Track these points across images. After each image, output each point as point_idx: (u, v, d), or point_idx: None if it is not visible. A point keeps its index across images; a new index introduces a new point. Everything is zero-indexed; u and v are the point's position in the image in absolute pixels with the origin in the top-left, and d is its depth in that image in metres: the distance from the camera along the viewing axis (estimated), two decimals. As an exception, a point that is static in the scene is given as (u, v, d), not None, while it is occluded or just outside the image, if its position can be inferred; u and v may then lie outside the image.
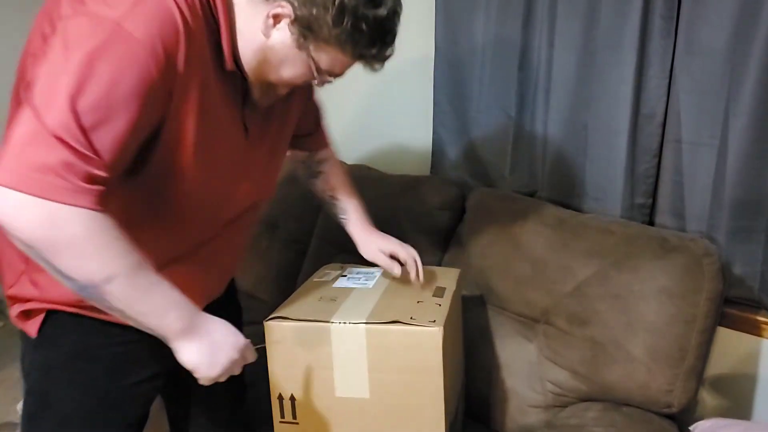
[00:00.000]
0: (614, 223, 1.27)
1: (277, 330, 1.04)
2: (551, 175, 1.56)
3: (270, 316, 1.05)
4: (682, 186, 1.36)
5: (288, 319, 1.04)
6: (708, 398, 1.34)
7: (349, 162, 1.88)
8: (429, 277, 1.20)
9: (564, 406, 1.23)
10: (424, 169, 1.81)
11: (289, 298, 1.13)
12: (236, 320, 1.11)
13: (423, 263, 1.21)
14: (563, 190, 1.54)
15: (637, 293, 1.15)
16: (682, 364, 1.11)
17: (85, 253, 0.72)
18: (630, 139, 1.39)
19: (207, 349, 0.83)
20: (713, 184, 1.30)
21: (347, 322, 1.01)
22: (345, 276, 1.24)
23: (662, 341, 1.12)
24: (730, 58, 1.23)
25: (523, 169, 1.62)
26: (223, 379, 0.87)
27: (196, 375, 0.85)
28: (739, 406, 1.33)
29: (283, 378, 1.05)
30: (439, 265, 1.52)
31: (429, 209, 1.55)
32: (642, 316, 1.14)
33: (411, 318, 1.00)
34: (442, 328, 0.98)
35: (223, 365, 0.85)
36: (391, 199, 1.61)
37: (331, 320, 1.02)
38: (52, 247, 0.71)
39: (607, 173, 1.45)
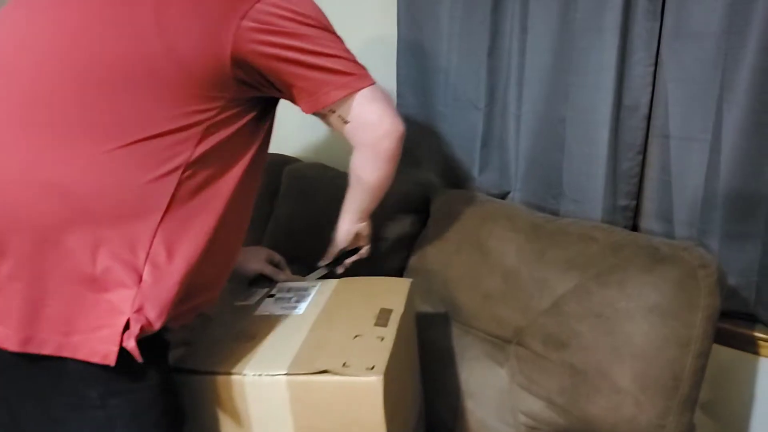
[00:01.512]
0: (597, 229, 1.12)
1: (187, 384, 0.86)
2: (525, 175, 1.41)
3: (175, 364, 0.86)
4: (670, 186, 1.22)
5: (193, 372, 0.85)
6: (698, 423, 1.20)
7: (304, 160, 1.71)
8: (373, 293, 1.03)
9: (539, 441, 1.07)
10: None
11: (205, 333, 0.95)
12: None
13: (382, 273, 1.11)
14: (538, 191, 1.39)
15: (623, 312, 0.99)
16: (675, 395, 0.95)
17: None
18: (612, 134, 1.25)
19: None
20: (704, 183, 1.17)
21: (264, 374, 0.84)
22: (273, 296, 1.06)
23: (652, 368, 0.96)
24: (723, 42, 1.09)
25: (494, 168, 1.46)
26: None
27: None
28: (735, 427, 1.20)
29: None
30: (401, 276, 1.35)
31: (389, 212, 1.38)
32: (629, 339, 0.98)
33: (344, 364, 0.82)
34: (382, 377, 0.80)
35: None
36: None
37: (244, 372, 0.84)
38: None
39: (586, 172, 1.30)
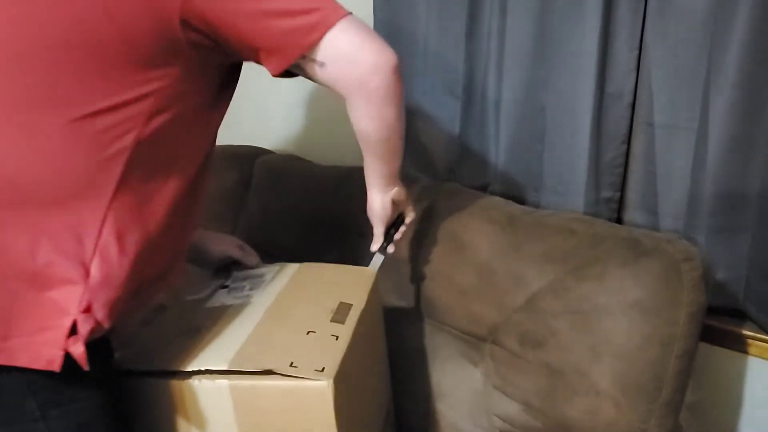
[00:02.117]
0: (576, 221, 1.05)
1: (127, 385, 0.79)
2: (505, 166, 1.34)
3: (119, 365, 0.80)
4: (655, 177, 1.16)
5: (131, 373, 0.79)
6: (685, 426, 1.14)
7: (277, 152, 1.64)
8: (333, 284, 0.96)
9: (515, 445, 1.00)
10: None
11: (148, 330, 0.88)
12: None
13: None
14: (519, 183, 1.33)
15: (602, 308, 0.93)
16: (657, 397, 0.89)
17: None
18: (594, 123, 1.19)
19: None
20: (691, 174, 1.11)
21: (203, 369, 0.76)
22: (227, 287, 0.99)
23: (633, 369, 0.90)
24: (711, 22, 1.03)
25: (472, 159, 1.40)
26: None
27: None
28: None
29: None
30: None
31: (364, 206, 1.31)
32: (608, 337, 0.92)
33: (291, 364, 0.75)
34: (332, 381, 0.73)
35: None
36: (321, 194, 1.37)
37: (182, 369, 0.77)
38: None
39: (568, 163, 1.24)
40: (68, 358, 0.66)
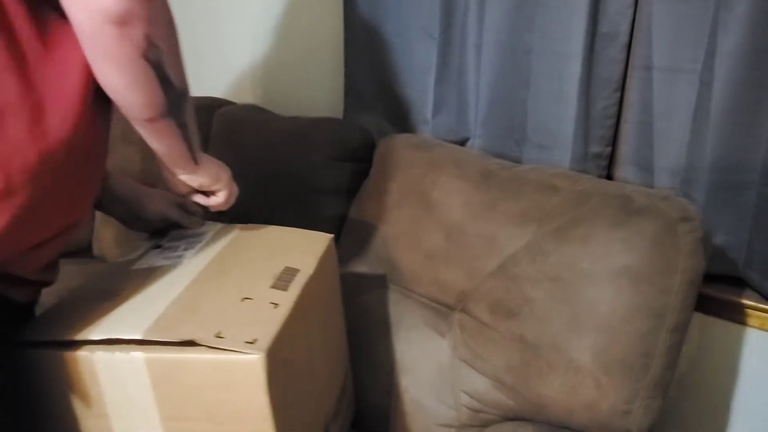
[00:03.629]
0: (560, 177, 0.93)
1: (28, 361, 0.67)
2: (486, 118, 1.21)
3: (19, 337, 0.68)
4: (651, 128, 1.04)
5: (37, 344, 0.67)
6: (674, 401, 1.05)
7: (235, 101, 1.51)
8: (280, 248, 0.84)
9: (483, 425, 0.90)
10: (337, 112, 1.44)
11: (63, 297, 0.76)
12: None
13: (314, 229, 0.90)
14: (501, 136, 1.20)
15: (585, 274, 0.81)
16: (645, 375, 0.78)
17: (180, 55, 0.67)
18: (584, 68, 1.06)
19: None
20: (692, 124, 0.99)
21: (113, 338, 0.65)
22: (159, 247, 0.86)
23: (618, 343, 0.79)
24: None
25: (450, 109, 1.26)
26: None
27: (221, 184, 0.84)
28: (715, 412, 1.05)
29: (52, 426, 0.69)
30: (338, 233, 1.16)
31: (326, 160, 1.19)
32: (591, 308, 0.80)
33: (217, 335, 0.64)
34: (264, 354, 0.62)
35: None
36: (279, 147, 1.24)
37: (87, 338, 0.66)
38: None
39: (554, 113, 1.12)
40: None
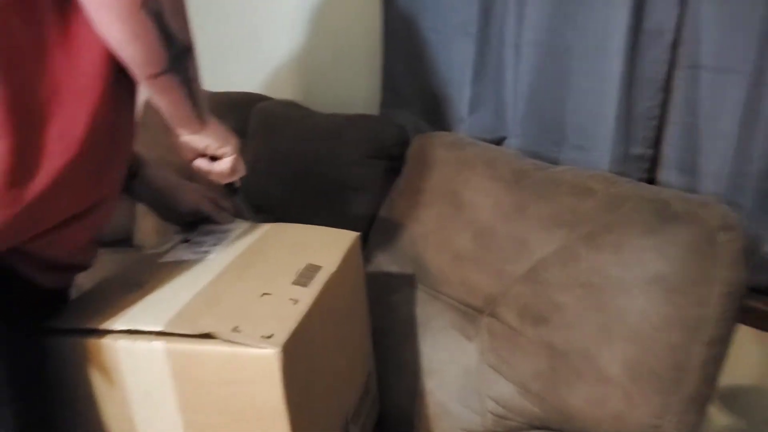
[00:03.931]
0: (595, 179, 0.89)
1: (54, 347, 0.69)
2: (525, 117, 1.19)
3: (45, 324, 0.70)
4: (697, 130, 0.99)
5: (63, 331, 0.69)
6: (716, 418, 1.00)
7: (274, 97, 1.52)
8: (305, 245, 0.84)
9: (509, 433, 0.88)
10: (373, 109, 1.43)
11: (91, 287, 0.78)
12: None
13: (346, 226, 0.89)
14: (538, 136, 1.17)
15: (617, 282, 0.78)
16: (677, 389, 0.75)
17: (183, 7, 0.66)
18: (627, 66, 1.02)
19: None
20: (740, 127, 0.94)
21: (135, 329, 0.66)
22: (187, 242, 0.88)
23: (649, 354, 0.75)
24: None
25: (486, 107, 1.24)
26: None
27: (228, 148, 0.81)
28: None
29: (74, 415, 0.71)
30: (367, 231, 1.16)
31: (360, 158, 1.18)
32: (622, 316, 0.77)
33: (235, 329, 0.64)
34: (280, 349, 0.62)
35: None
36: (314, 143, 1.24)
37: (113, 328, 0.67)
38: None
39: (594, 113, 1.08)
40: None
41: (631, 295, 0.77)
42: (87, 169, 0.65)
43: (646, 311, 0.76)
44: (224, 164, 0.83)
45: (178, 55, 0.66)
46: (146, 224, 1.54)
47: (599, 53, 1.05)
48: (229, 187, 0.90)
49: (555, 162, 1.12)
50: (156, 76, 0.66)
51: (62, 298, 0.77)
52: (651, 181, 1.06)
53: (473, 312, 0.96)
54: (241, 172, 0.87)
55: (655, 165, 1.06)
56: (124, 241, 1.58)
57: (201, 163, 0.83)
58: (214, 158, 0.83)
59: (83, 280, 0.81)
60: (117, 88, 0.66)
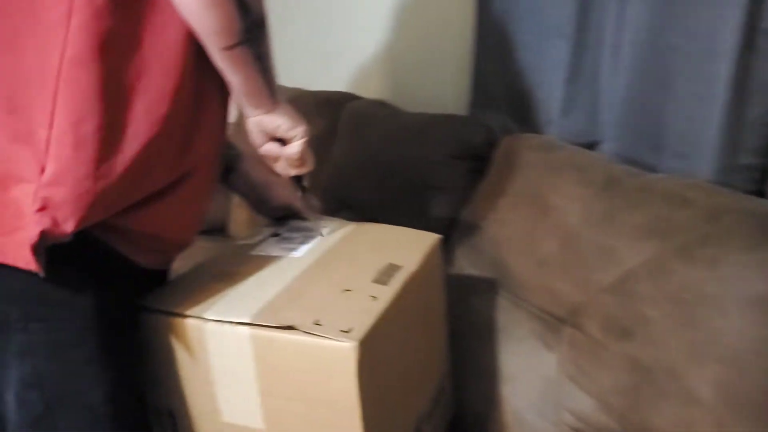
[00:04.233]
0: (693, 188, 0.84)
1: (147, 324, 0.74)
2: (619, 121, 1.13)
3: (142, 303, 0.75)
4: (817, 140, 0.90)
5: (157, 311, 0.73)
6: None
7: (366, 96, 1.54)
8: (387, 245, 0.85)
9: (586, 448, 0.85)
10: (463, 109, 1.42)
11: (186, 271, 0.83)
12: None
13: (427, 227, 0.90)
14: (634, 141, 1.11)
15: (712, 299, 0.73)
16: (776, 420, 0.69)
17: None
18: (738, 68, 0.95)
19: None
20: None
21: (224, 320, 0.70)
22: (277, 236, 0.91)
23: (747, 380, 0.70)
24: None
25: (580, 110, 1.20)
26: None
27: (300, 129, 0.79)
28: None
29: (160, 387, 0.76)
30: (449, 233, 1.15)
31: (444, 158, 1.18)
32: (716, 336, 0.72)
33: (316, 322, 0.66)
34: (357, 344, 0.63)
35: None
36: (399, 142, 1.25)
37: (204, 315, 0.71)
38: None
39: (698, 117, 1.01)
40: (58, 269, 0.62)
41: (728, 314, 0.72)
42: (172, 142, 0.69)
43: (743, 333, 0.70)
44: (294, 148, 0.80)
45: (252, 27, 0.66)
46: (239, 215, 1.62)
47: (706, 54, 0.98)
48: (298, 182, 0.90)
49: (652, 169, 1.06)
50: (231, 47, 0.66)
51: (161, 278, 0.83)
52: (761, 193, 0.99)
53: (555, 321, 0.93)
54: (310, 165, 0.84)
55: (766, 176, 0.98)
56: (219, 230, 1.68)
57: (271, 147, 0.81)
58: (283, 143, 0.81)
59: (178, 265, 0.86)
60: (200, 62, 0.69)
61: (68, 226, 0.61)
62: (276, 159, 0.82)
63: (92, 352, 0.68)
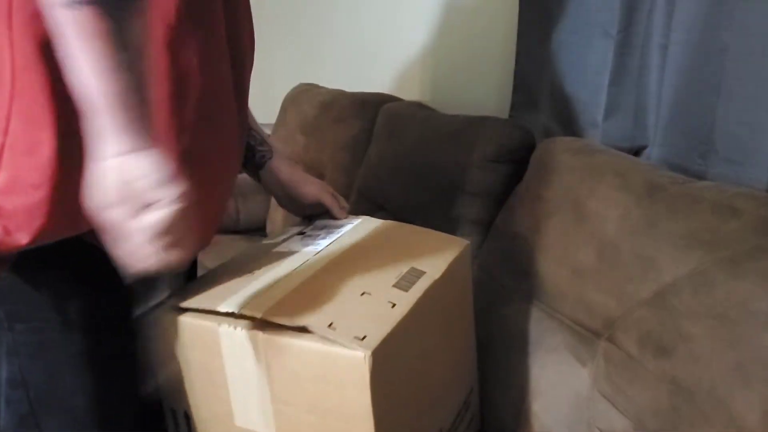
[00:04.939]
0: (743, 198, 0.78)
1: (162, 323, 0.74)
2: (667, 125, 1.08)
3: (161, 300, 0.75)
4: None
5: (177, 309, 0.73)
6: None
7: (404, 98, 1.52)
8: (412, 247, 0.82)
9: (619, 471, 0.79)
10: (503, 112, 1.38)
11: (214, 267, 0.82)
12: None
13: (462, 231, 0.90)
14: (683, 146, 1.05)
15: (761, 316, 0.67)
16: (830, 452, 0.63)
17: None
18: (797, 69, 0.88)
19: None
20: None
21: (236, 313, 0.68)
22: (302, 234, 0.90)
23: (796, 406, 0.64)
24: None
25: (625, 113, 1.14)
26: None
27: (170, 192, 0.54)
28: None
29: (175, 388, 0.76)
30: (484, 237, 1.12)
31: (480, 161, 1.15)
32: (764, 356, 0.67)
33: (330, 325, 0.64)
34: (369, 353, 0.61)
35: None
36: (435, 144, 1.23)
37: (218, 309, 0.69)
38: None
39: (751, 122, 0.95)
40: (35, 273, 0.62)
41: (777, 333, 0.66)
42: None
43: (795, 354, 0.64)
44: (156, 216, 0.54)
45: None
46: (277, 215, 1.62)
47: (762, 54, 0.92)
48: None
49: (701, 176, 1.00)
50: (73, 3, 0.46)
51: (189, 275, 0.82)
52: (820, 203, 0.91)
53: (589, 334, 0.88)
54: (181, 247, 0.58)
55: (827, 186, 0.91)
56: (258, 230, 1.69)
57: (122, 213, 0.54)
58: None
59: (211, 263, 0.86)
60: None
61: (22, 238, 0.59)
62: (126, 233, 0.55)
63: (76, 354, 0.67)
